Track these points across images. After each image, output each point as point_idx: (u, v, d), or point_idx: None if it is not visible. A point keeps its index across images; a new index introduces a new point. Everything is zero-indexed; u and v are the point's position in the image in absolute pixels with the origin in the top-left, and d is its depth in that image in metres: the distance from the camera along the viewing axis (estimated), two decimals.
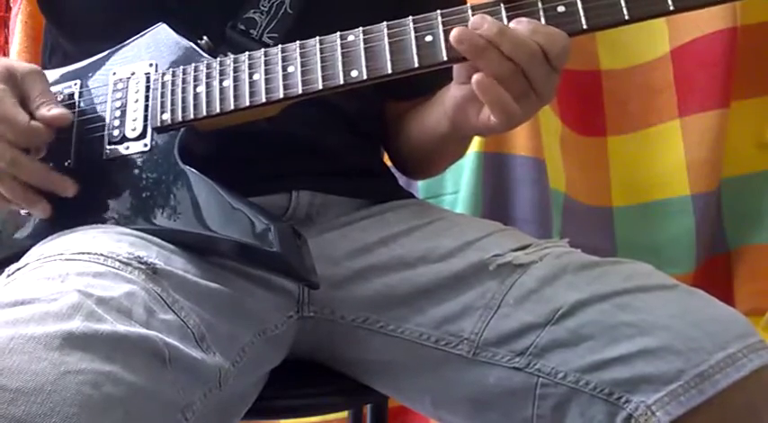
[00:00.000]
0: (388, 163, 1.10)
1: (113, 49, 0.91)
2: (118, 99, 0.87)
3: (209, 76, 0.83)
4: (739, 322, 0.76)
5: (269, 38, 0.91)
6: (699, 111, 1.77)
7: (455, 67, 0.81)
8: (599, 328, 0.76)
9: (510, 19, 0.77)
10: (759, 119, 1.80)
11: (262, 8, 0.92)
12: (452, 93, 0.84)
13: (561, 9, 0.76)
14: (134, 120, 0.85)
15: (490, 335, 0.81)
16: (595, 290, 0.78)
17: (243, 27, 0.91)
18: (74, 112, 0.87)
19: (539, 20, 0.76)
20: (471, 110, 0.82)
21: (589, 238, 1.78)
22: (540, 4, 0.77)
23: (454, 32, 0.76)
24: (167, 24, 0.89)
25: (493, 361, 0.81)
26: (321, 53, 0.80)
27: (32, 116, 0.81)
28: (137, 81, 0.87)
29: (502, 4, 0.78)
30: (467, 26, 0.76)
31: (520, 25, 0.76)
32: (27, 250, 0.80)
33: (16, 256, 0.78)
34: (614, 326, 0.76)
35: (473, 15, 0.78)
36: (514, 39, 0.75)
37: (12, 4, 1.60)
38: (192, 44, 0.87)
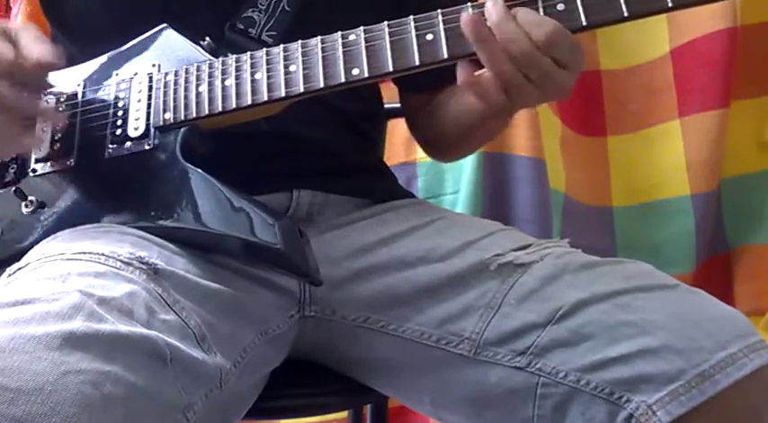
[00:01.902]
0: (388, 163, 1.10)
1: (116, 50, 0.91)
2: (121, 99, 0.87)
3: (211, 75, 0.83)
4: (740, 322, 0.76)
5: (268, 36, 0.91)
6: (699, 111, 1.77)
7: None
8: (600, 328, 0.76)
9: None
10: (759, 119, 1.80)
11: (260, 6, 0.92)
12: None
13: (561, 7, 0.77)
14: (137, 119, 0.85)
15: (491, 334, 0.81)
16: (596, 289, 0.78)
17: (242, 26, 0.91)
18: (76, 112, 0.87)
19: None
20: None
21: (589, 238, 1.78)
22: (540, 2, 0.77)
23: (465, 16, 0.76)
24: (169, 25, 0.89)
25: (494, 360, 0.81)
26: (323, 52, 0.80)
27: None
28: (139, 81, 0.87)
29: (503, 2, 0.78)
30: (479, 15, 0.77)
31: (528, 16, 0.76)
32: (28, 250, 0.80)
33: (18, 256, 0.78)
34: (615, 325, 0.76)
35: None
36: (508, 32, 0.75)
37: (12, 5, 1.60)
38: (194, 45, 0.87)
